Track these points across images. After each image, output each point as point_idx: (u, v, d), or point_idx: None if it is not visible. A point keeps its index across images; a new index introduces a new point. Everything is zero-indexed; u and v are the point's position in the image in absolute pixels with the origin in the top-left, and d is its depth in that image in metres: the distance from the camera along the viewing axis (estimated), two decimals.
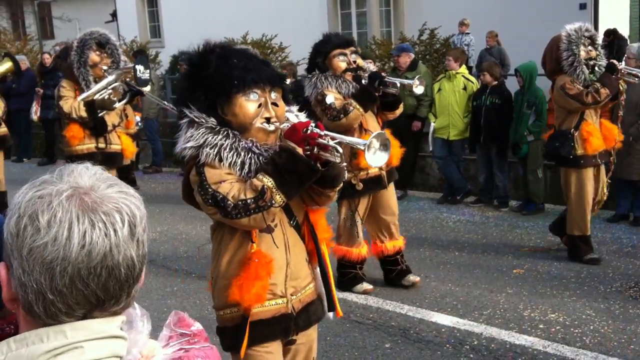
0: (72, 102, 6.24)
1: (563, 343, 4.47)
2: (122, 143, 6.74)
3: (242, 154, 2.55)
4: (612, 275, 5.70)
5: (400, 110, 5.57)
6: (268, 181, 2.48)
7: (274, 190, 2.48)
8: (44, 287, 1.03)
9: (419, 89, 5.36)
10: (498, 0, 13.77)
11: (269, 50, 13.75)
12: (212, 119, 2.58)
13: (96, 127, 6.40)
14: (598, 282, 5.56)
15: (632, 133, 6.92)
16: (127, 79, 6.61)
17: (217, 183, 2.53)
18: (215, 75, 2.58)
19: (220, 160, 2.54)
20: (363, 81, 5.07)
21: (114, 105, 6.35)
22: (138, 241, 1.11)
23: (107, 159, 6.51)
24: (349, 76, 5.08)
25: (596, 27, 13.46)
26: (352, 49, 5.21)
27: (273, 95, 2.63)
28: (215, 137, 2.55)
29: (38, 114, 12.56)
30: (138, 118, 9.05)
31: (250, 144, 2.57)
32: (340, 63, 5.06)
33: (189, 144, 2.58)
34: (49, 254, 1.03)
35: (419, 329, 4.77)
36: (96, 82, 6.27)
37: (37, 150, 13.71)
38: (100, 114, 6.31)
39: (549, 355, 4.31)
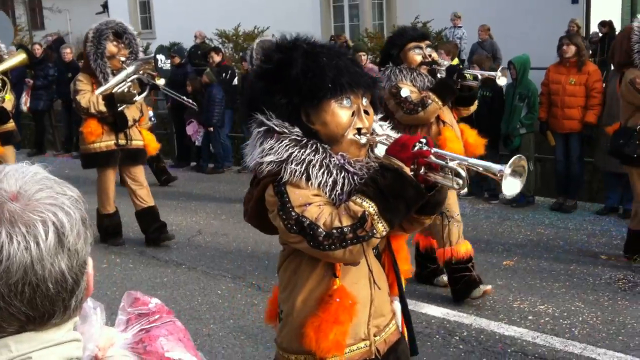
0: (89, 96, 5.92)
1: (552, 334, 4.48)
2: (143, 138, 6.44)
3: (334, 172, 2.15)
4: (601, 267, 5.72)
5: (475, 106, 5.29)
6: (369, 206, 2.06)
7: (376, 217, 2.06)
8: None
9: (502, 80, 5.06)
10: None
11: None
12: (297, 129, 2.17)
13: (116, 122, 6.09)
14: (587, 274, 5.58)
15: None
16: (148, 71, 6.33)
17: (303, 206, 2.11)
18: (303, 76, 2.16)
19: (308, 179, 2.12)
20: (438, 75, 4.83)
21: (135, 99, 6.07)
22: (70, 251, 1.01)
23: (129, 157, 6.29)
24: (424, 70, 4.84)
25: (588, 22, 13.51)
26: (428, 42, 4.93)
27: (364, 101, 2.25)
28: (302, 151, 2.14)
29: (28, 104, 12.50)
30: (151, 113, 8.78)
31: (343, 160, 2.18)
32: (416, 56, 4.81)
33: (268, 158, 2.14)
34: None
35: None
36: (114, 74, 6.00)
37: (26, 140, 13.64)
38: (120, 108, 6.02)
39: (538, 346, 4.32)
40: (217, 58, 10.57)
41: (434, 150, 2.13)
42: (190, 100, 8.66)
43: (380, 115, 2.41)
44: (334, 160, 2.16)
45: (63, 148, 13.07)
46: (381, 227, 2.08)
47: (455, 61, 8.22)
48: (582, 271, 5.65)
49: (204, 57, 11.39)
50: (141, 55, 6.26)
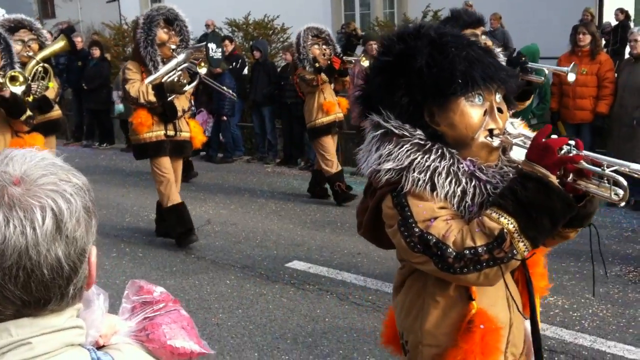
0: (139, 86, 5.68)
1: (562, 326, 4.46)
2: (191, 130, 6.18)
3: (463, 180, 1.87)
4: (612, 259, 5.69)
5: (530, 100, 4.92)
6: (508, 222, 1.76)
7: (516, 235, 1.76)
8: None
9: (571, 77, 4.83)
10: None
11: (270, 31, 13.66)
12: (419, 132, 1.90)
13: (165, 112, 5.85)
14: (597, 266, 5.53)
15: (636, 117, 6.87)
16: (198, 59, 6.09)
17: (427, 221, 1.82)
18: (429, 69, 1.87)
19: (433, 189, 1.85)
20: None
21: (184, 89, 5.82)
22: (68, 238, 1.01)
23: (176, 148, 6.07)
24: None
25: (601, 11, 13.38)
26: (483, 29, 4.48)
27: (497, 98, 1.95)
28: (426, 156, 1.87)
29: None
30: (192, 102, 8.69)
31: (473, 166, 1.89)
32: None
33: (386, 165, 1.88)
34: None
35: None
36: (164, 62, 5.75)
37: None
38: (169, 98, 5.79)
39: (547, 338, 4.30)
40: (230, 47, 10.53)
41: (585, 153, 1.78)
42: (230, 91, 8.60)
43: (512, 111, 2.10)
44: (463, 167, 1.88)
45: (73, 137, 13.09)
46: (522, 247, 1.77)
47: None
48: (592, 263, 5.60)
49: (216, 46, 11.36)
50: (191, 43, 5.99)
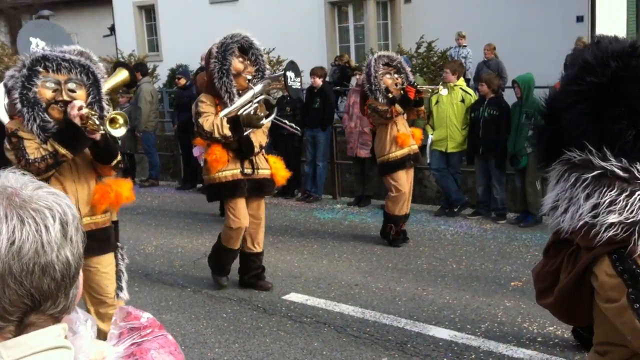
0: (213, 119, 5.27)
1: (562, 356, 4.41)
2: (271, 167, 5.67)
3: None
4: None
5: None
6: None
7: None
8: None
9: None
10: (495, 14, 13.82)
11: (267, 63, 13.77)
12: None
13: (241, 148, 5.41)
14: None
15: None
16: (276, 89, 5.66)
17: None
18: None
19: None
20: None
21: (261, 122, 5.36)
22: (72, 240, 1.07)
23: (255, 187, 5.57)
24: None
25: (593, 40, 13.51)
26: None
27: None
28: None
29: None
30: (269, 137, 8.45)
31: None
32: None
33: (610, 218, 1.51)
34: None
35: (416, 343, 4.71)
36: (239, 94, 5.36)
37: None
38: (245, 132, 5.37)
39: None
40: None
41: None
42: (294, 125, 8.55)
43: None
44: None
45: None
46: None
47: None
48: None
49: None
50: (268, 72, 5.59)
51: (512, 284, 5.85)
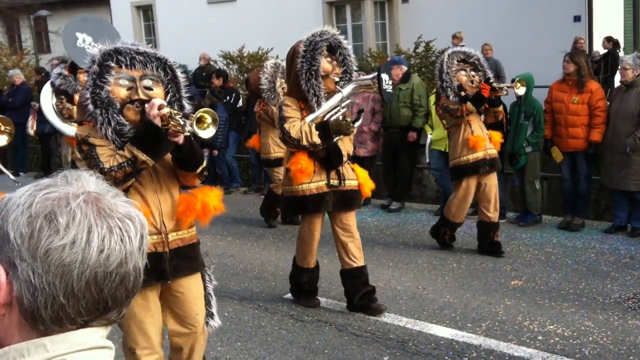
0: (301, 125, 4.82)
1: (562, 355, 4.44)
2: (358, 177, 5.19)
3: None
4: (611, 286, 5.68)
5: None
6: None
7: None
8: (57, 290, 1.01)
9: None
10: (493, 14, 13.87)
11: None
12: None
13: (330, 157, 4.96)
14: (596, 293, 5.54)
15: (629, 144, 6.93)
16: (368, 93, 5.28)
17: None
18: None
19: None
20: None
21: (350, 129, 4.97)
22: (143, 252, 1.10)
23: (342, 201, 5.09)
24: None
25: (591, 39, 13.57)
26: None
27: None
28: None
29: (34, 128, 12.54)
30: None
31: None
32: None
33: None
34: (68, 256, 1.01)
35: (417, 341, 4.74)
36: (326, 98, 4.91)
37: (33, 164, 13.69)
38: (334, 140, 4.94)
39: None
40: (216, 82, 10.63)
41: None
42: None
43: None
44: None
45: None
46: None
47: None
48: (591, 290, 5.61)
49: (209, 79, 11.46)
50: (355, 74, 5.14)
51: (513, 282, 5.88)
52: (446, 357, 4.48)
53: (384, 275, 6.24)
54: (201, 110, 3.18)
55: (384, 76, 4.92)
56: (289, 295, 5.76)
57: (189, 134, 3.15)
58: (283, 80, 7.61)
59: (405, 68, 8.71)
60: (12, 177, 4.20)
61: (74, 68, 7.14)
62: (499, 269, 6.28)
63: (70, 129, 7.18)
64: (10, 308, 1.04)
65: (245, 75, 11.68)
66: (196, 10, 17.66)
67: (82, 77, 7.01)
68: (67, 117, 7.12)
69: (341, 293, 5.72)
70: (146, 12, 19.62)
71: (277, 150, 7.79)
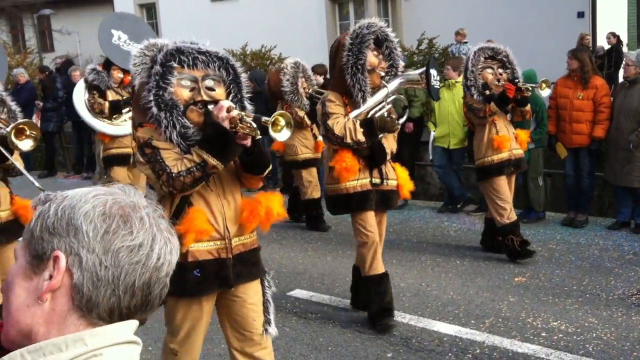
0: (344, 122, 4.64)
1: (566, 351, 4.44)
2: (398, 177, 4.99)
3: None
4: (614, 282, 5.68)
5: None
6: None
7: None
8: (119, 284, 1.11)
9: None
10: (496, 11, 13.84)
11: (268, 61, 13.79)
12: None
13: (373, 155, 4.79)
14: (600, 289, 5.54)
15: (632, 140, 6.92)
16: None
17: None
18: None
19: None
20: None
21: (396, 126, 4.79)
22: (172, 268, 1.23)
23: (382, 200, 4.91)
24: None
25: (595, 35, 13.53)
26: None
27: None
28: None
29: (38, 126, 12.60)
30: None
31: None
32: None
33: None
34: (136, 256, 1.13)
35: (420, 338, 4.74)
36: (371, 93, 4.71)
37: (37, 162, 13.73)
38: (379, 137, 4.76)
39: None
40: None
41: None
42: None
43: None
44: None
45: (73, 169, 13.14)
46: None
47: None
48: (594, 287, 5.60)
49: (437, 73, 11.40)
50: (400, 70, 4.89)
51: (516, 279, 5.88)
52: (450, 354, 4.49)
53: (387, 272, 6.23)
54: (276, 113, 3.10)
55: (433, 72, 4.73)
56: (293, 292, 5.77)
57: (260, 137, 3.04)
58: (303, 80, 7.56)
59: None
60: (37, 184, 4.10)
61: (108, 64, 7.22)
62: (502, 265, 6.27)
63: (100, 125, 7.29)
64: (55, 296, 1.10)
65: (248, 73, 11.68)
66: (199, 8, 17.67)
67: (116, 73, 7.14)
68: (98, 112, 7.23)
69: (345, 290, 5.73)
70: (149, 10, 19.63)
71: (304, 151, 7.67)
